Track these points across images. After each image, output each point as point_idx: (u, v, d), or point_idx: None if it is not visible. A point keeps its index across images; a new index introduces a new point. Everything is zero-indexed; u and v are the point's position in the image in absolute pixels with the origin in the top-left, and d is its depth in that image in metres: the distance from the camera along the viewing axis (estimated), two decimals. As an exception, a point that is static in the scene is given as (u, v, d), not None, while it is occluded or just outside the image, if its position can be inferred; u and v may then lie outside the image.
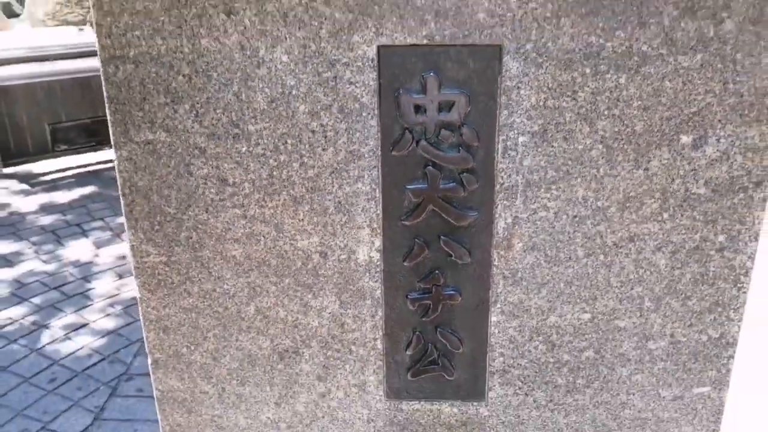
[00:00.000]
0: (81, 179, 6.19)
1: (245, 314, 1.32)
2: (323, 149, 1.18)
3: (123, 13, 1.11)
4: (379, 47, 1.11)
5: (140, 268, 1.31)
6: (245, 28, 1.11)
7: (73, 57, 5.55)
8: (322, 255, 1.26)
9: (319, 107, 1.16)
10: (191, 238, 1.27)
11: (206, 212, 1.25)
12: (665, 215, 1.20)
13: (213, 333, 1.35)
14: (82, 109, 6.26)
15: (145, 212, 1.25)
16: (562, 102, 1.13)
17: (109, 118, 1.19)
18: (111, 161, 6.36)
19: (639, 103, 1.13)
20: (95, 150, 6.60)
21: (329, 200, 1.22)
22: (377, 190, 1.21)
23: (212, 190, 1.23)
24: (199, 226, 1.26)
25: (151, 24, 1.12)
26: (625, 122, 1.14)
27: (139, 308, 1.35)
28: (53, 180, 6.22)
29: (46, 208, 5.62)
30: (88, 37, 5.84)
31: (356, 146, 1.18)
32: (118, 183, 1.24)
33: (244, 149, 1.19)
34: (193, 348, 1.36)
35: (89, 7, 6.59)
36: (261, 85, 1.15)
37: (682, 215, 1.20)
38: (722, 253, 1.23)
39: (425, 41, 1.11)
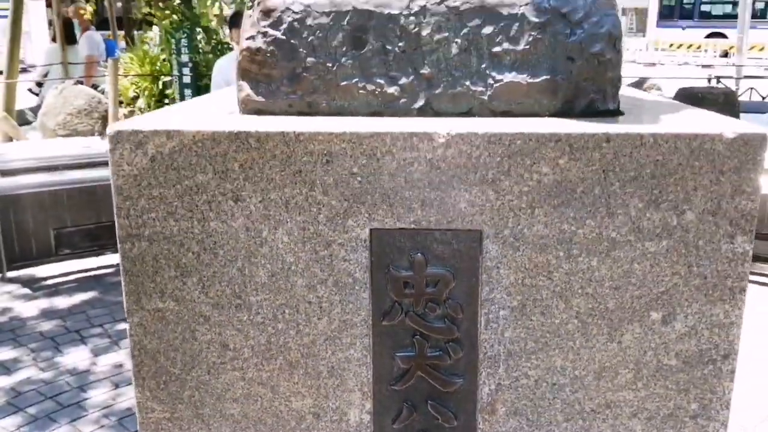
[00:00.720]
0: (82, 284, 6.26)
1: (241, 470, 1.38)
2: (318, 318, 1.27)
3: (141, 198, 1.23)
4: (371, 230, 1.22)
5: (145, 422, 1.37)
6: (251, 212, 1.23)
7: (81, 167, 5.75)
8: (315, 416, 1.33)
9: (315, 281, 1.26)
10: (193, 396, 1.34)
11: (208, 374, 1.32)
12: (639, 384, 1.28)
13: (209, 487, 1.40)
14: (87, 215, 6.41)
15: (152, 372, 1.33)
16: (539, 281, 1.23)
17: (123, 288, 1.29)
18: (112, 266, 6.47)
19: (610, 283, 1.23)
20: (97, 254, 6.70)
21: (323, 365, 1.30)
22: (368, 357, 1.29)
23: (214, 354, 1.31)
24: (201, 386, 1.33)
25: (166, 208, 1.23)
26: (598, 300, 1.24)
27: (140, 462, 1.40)
28: (55, 284, 6.29)
29: (46, 314, 5.67)
30: (95, 148, 6.05)
31: (349, 316, 1.27)
32: (129, 345, 1.33)
33: (245, 318, 1.28)
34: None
35: (98, 119, 6.87)
36: (263, 262, 1.25)
37: (655, 384, 1.28)
38: (696, 420, 1.30)
39: (413, 226, 1.22)
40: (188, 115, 1.34)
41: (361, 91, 1.30)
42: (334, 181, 1.21)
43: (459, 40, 1.28)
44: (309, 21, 1.29)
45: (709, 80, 10.31)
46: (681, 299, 1.23)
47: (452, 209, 1.21)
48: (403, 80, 1.30)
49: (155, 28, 8.08)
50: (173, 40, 6.74)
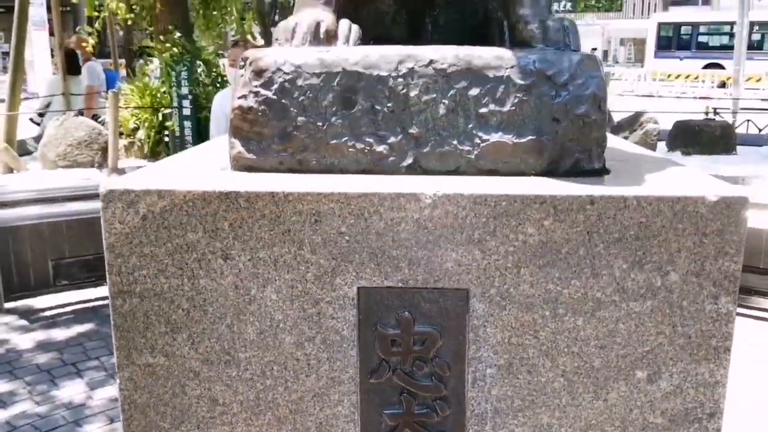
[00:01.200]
0: (80, 315, 6.25)
1: None
2: (306, 375, 1.28)
3: (132, 256, 1.25)
4: (359, 288, 1.24)
5: (132, 477, 1.37)
6: (240, 270, 1.24)
7: (81, 199, 5.77)
8: (304, 472, 1.33)
9: (303, 338, 1.27)
10: (181, 451, 1.35)
11: (198, 428, 1.33)
12: (626, 442, 1.29)
13: None
14: (86, 246, 6.42)
15: (142, 426, 1.34)
16: (525, 340, 1.24)
17: (114, 343, 1.30)
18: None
19: (596, 342, 1.24)
20: (95, 285, 6.70)
21: (311, 421, 1.31)
22: (356, 414, 1.29)
23: (204, 409, 1.32)
24: (189, 440, 1.34)
25: (156, 265, 1.25)
26: (584, 359, 1.25)
27: None
28: (53, 316, 6.28)
29: (43, 346, 5.65)
30: (95, 180, 6.09)
31: (337, 373, 1.28)
32: (119, 399, 1.33)
33: (234, 374, 1.29)
34: None
35: (98, 150, 6.92)
36: (252, 319, 1.26)
37: (641, 442, 1.29)
38: (682, 478, 1.30)
39: (400, 284, 1.23)
40: (180, 173, 1.36)
41: (350, 150, 1.32)
42: (322, 240, 1.22)
43: (446, 101, 1.31)
44: (300, 81, 1.32)
45: (707, 113, 10.39)
46: (666, 358, 1.24)
47: (439, 268, 1.22)
48: (392, 139, 1.32)
49: (156, 60, 8.16)
50: (173, 73, 6.82)
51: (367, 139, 1.32)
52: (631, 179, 1.29)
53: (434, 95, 1.31)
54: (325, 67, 1.32)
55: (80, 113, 7.25)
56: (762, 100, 16.65)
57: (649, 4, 33.86)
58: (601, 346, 1.24)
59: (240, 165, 1.35)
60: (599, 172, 1.33)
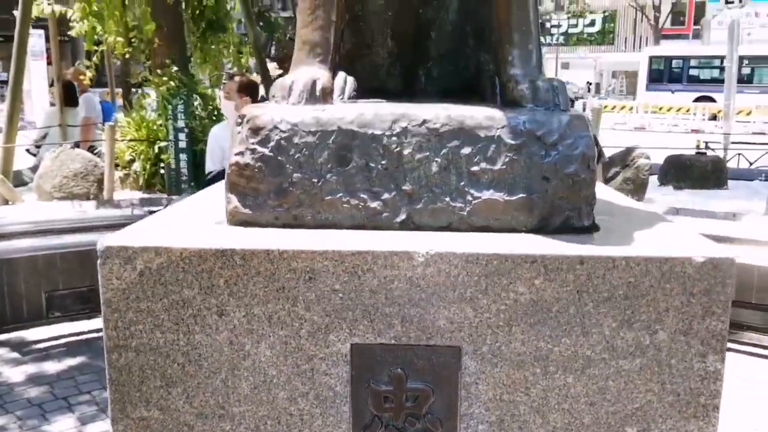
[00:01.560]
0: (72, 348, 6.21)
1: None
2: (300, 430, 1.29)
3: (128, 311, 1.26)
4: (352, 345, 1.25)
5: None
6: (234, 326, 1.26)
7: (75, 231, 5.78)
8: None
9: (297, 394, 1.28)
10: (174, 505, 1.35)
11: (189, 482, 1.33)
12: (617, 498, 1.29)
13: None
14: (80, 277, 6.40)
15: (133, 480, 1.34)
16: (517, 397, 1.26)
17: (109, 396, 1.31)
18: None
19: (586, 399, 1.26)
20: (89, 317, 6.67)
21: (304, 476, 1.31)
22: (349, 468, 1.30)
23: (196, 463, 1.32)
24: (182, 494, 1.34)
25: (153, 320, 1.26)
26: (575, 415, 1.26)
27: None
28: (45, 348, 6.24)
29: (34, 379, 5.60)
30: (90, 212, 6.10)
31: (330, 429, 1.29)
32: (110, 453, 1.34)
33: (228, 428, 1.30)
34: None
35: (94, 182, 6.93)
36: (246, 374, 1.27)
37: (632, 498, 1.29)
38: None
39: (393, 341, 1.25)
40: (177, 227, 1.38)
41: (345, 205, 1.35)
42: (316, 297, 1.24)
43: (439, 159, 1.33)
44: (296, 139, 1.34)
45: (698, 146, 10.49)
46: (655, 415, 1.26)
47: (432, 326, 1.24)
48: (386, 196, 1.35)
49: (153, 93, 8.23)
50: (170, 106, 6.87)
51: (362, 196, 1.35)
52: (620, 238, 1.31)
53: (427, 153, 1.34)
54: (320, 125, 1.35)
55: (76, 145, 7.28)
56: (753, 133, 16.82)
57: (640, 37, 34.35)
58: (591, 403, 1.26)
59: (236, 220, 1.37)
60: (589, 230, 1.35)
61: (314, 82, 1.43)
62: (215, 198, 1.66)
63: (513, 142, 1.32)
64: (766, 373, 4.85)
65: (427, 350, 1.25)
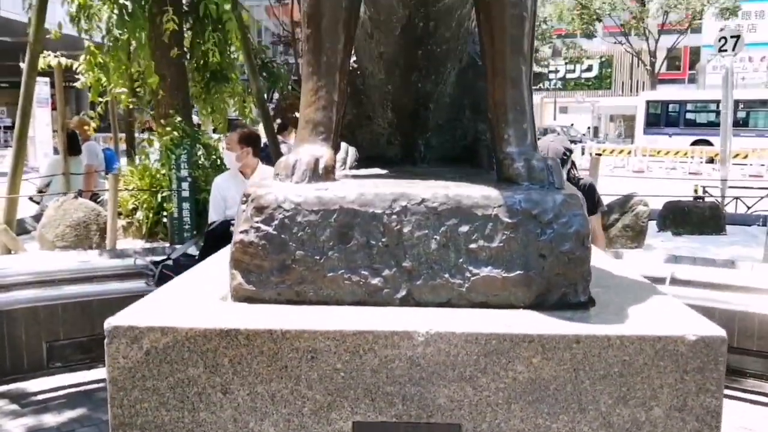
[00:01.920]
0: (72, 399, 6.17)
1: None
2: (303, 507, 1.31)
3: (134, 389, 1.29)
4: (354, 423, 1.28)
5: None
6: (238, 404, 1.28)
7: (77, 282, 5.80)
8: None
9: (300, 471, 1.30)
10: None
11: None
12: None
13: None
14: (81, 327, 6.38)
15: None
16: (516, 473, 1.28)
17: (112, 474, 1.33)
18: (103, 380, 6.39)
19: (584, 475, 1.27)
20: (89, 368, 6.63)
21: None
22: None
23: None
24: None
25: (158, 398, 1.29)
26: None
27: None
28: (45, 400, 6.19)
29: (33, 433, 5.56)
30: (93, 262, 6.12)
31: (333, 504, 1.30)
32: None
33: (230, 505, 1.31)
34: None
35: (97, 231, 6.97)
36: (249, 452, 1.29)
37: None
38: None
39: (394, 419, 1.27)
40: (182, 304, 1.41)
41: (346, 282, 1.39)
42: (318, 376, 1.27)
43: (438, 237, 1.38)
44: (299, 218, 1.39)
45: (696, 191, 10.56)
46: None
47: (432, 404, 1.27)
48: (386, 272, 1.38)
49: (156, 143, 8.32)
50: (173, 156, 6.96)
51: (363, 272, 1.39)
52: (615, 314, 1.34)
53: (426, 231, 1.38)
54: (323, 204, 1.39)
55: (79, 194, 7.35)
56: (750, 176, 16.93)
57: (637, 82, 34.79)
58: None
59: (240, 296, 1.41)
60: (585, 305, 1.39)
61: (317, 161, 1.48)
62: (220, 267, 1.69)
63: (510, 220, 1.36)
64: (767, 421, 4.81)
65: (428, 428, 1.28)
